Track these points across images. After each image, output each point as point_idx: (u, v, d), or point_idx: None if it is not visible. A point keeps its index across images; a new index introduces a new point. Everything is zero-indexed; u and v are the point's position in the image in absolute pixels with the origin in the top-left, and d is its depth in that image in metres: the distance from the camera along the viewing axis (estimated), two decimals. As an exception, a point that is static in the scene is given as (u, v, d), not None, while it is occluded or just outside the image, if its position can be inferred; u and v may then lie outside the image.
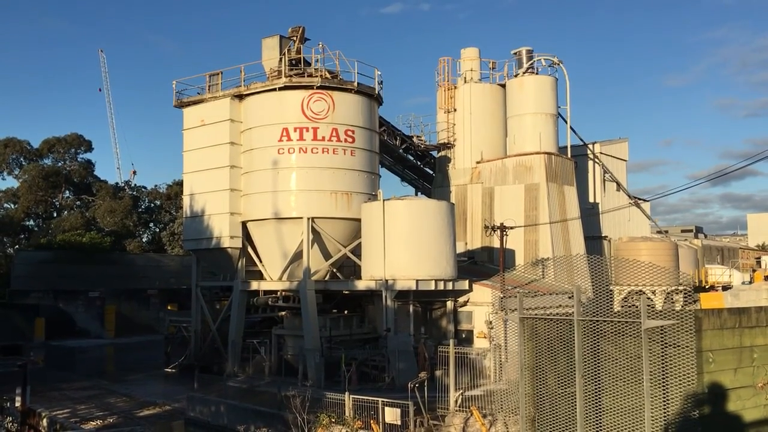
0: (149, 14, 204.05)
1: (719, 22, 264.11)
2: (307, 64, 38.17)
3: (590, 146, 52.30)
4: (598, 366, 14.14)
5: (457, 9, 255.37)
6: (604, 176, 52.97)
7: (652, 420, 13.02)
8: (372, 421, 23.00)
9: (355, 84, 37.14)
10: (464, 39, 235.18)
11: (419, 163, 50.61)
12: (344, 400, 24.02)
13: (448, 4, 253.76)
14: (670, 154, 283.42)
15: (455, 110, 48.30)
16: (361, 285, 35.23)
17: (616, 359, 13.86)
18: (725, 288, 53.15)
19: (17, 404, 27.45)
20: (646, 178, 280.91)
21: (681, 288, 40.87)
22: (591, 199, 51.59)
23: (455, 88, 48.78)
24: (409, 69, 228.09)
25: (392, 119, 47.13)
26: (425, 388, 24.71)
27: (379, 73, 38.74)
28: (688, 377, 12.97)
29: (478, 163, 46.72)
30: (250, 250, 38.11)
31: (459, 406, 24.83)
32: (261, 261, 38.00)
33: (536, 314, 16.58)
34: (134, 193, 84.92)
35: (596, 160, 52.44)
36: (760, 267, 70.02)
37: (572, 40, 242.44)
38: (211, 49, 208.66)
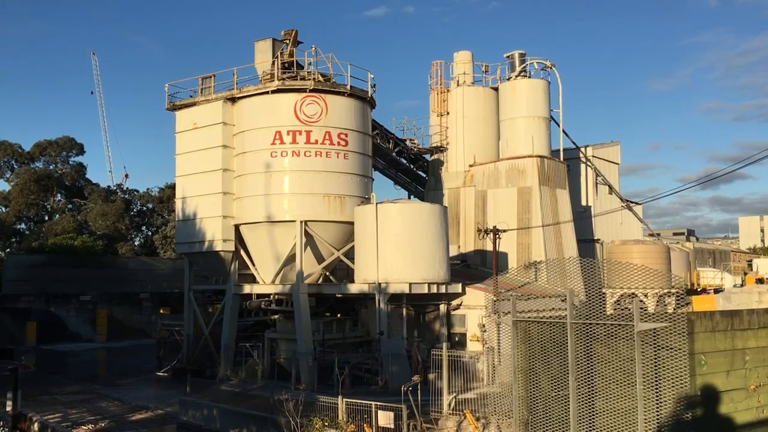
0: (142, 18, 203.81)
1: (704, 26, 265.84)
2: (300, 67, 38.15)
3: (582, 149, 52.44)
4: (591, 369, 14.15)
5: (442, 12, 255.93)
6: (597, 179, 53.11)
7: (645, 422, 13.03)
8: (365, 425, 22.93)
9: (348, 87, 37.11)
10: (452, 42, 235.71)
11: (412, 166, 50.63)
12: (337, 404, 23.95)
13: (434, 6, 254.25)
14: (659, 158, 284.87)
15: (448, 113, 48.36)
16: (354, 288, 35.17)
17: (609, 362, 13.87)
18: (717, 291, 53.31)
19: (8, 409, 27.28)
20: (636, 182, 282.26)
21: (673, 291, 41.09)
22: (583, 203, 51.72)
23: (448, 91, 48.85)
24: (396, 72, 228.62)
25: (384, 122, 47.16)
26: (418, 391, 24.62)
27: (372, 76, 38.85)
28: (681, 379, 12.99)
29: (471, 166, 46.75)
30: (242, 253, 37.99)
31: (452, 410, 24.79)
32: (254, 264, 37.89)
33: (529, 317, 16.57)
34: (126, 196, 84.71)
35: (588, 163, 52.58)
36: (752, 270, 70.30)
37: (557, 44, 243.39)
38: (203, 52, 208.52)
